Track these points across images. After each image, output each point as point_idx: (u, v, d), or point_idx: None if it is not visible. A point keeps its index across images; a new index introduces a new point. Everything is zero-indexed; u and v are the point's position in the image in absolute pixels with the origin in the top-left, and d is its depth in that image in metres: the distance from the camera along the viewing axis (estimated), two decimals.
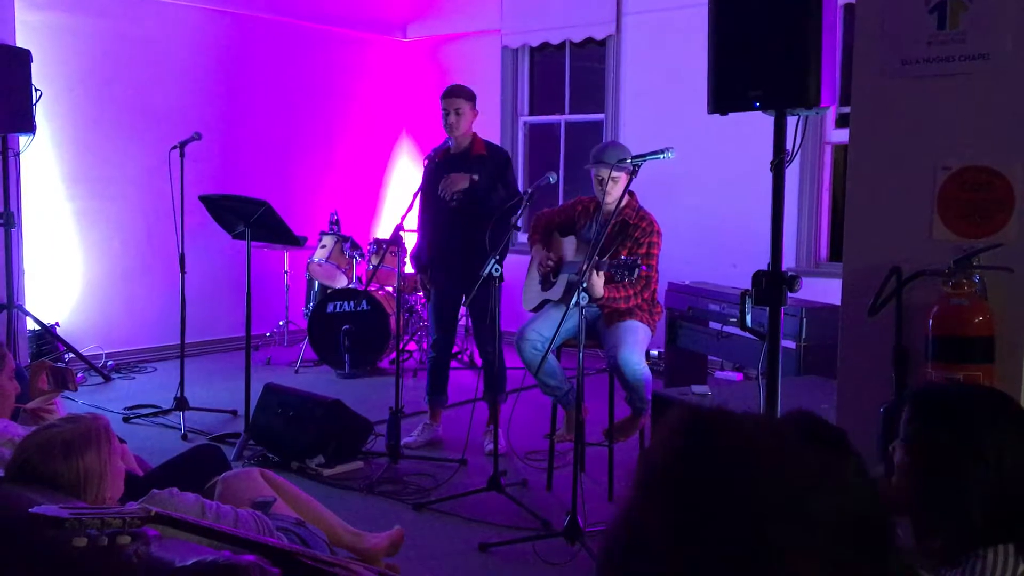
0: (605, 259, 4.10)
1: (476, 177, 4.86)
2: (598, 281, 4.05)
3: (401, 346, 5.97)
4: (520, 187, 7.97)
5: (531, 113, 8.31)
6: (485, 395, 4.98)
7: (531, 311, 4.71)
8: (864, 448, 0.97)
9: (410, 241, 5.44)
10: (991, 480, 1.57)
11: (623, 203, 4.33)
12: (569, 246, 4.65)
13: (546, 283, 4.67)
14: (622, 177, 4.31)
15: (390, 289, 7.04)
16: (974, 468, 1.58)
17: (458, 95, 4.98)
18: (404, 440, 4.94)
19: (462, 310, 5.22)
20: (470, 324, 5.31)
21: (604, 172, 4.34)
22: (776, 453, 0.86)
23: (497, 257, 4.12)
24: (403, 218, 4.75)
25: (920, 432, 1.67)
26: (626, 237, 4.39)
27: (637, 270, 3.79)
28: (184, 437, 5.18)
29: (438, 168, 5.01)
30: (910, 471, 1.67)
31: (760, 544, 0.81)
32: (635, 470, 0.92)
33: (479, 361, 5.38)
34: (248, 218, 4.96)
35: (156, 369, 6.90)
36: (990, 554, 1.53)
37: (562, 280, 4.55)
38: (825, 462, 0.87)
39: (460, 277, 4.97)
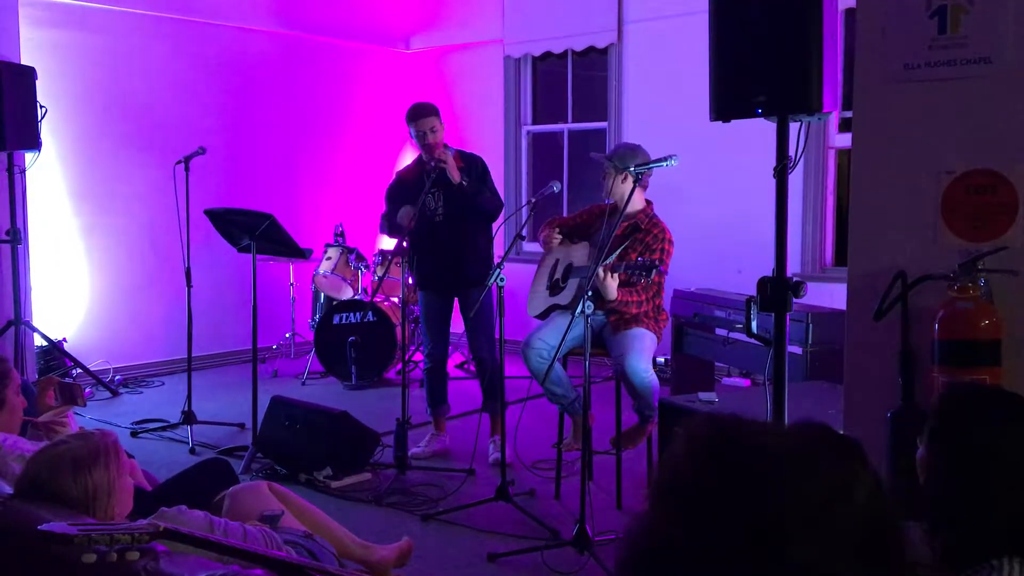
0: (620, 260, 4.10)
1: (466, 180, 4.86)
2: (612, 283, 4.04)
3: (407, 356, 5.97)
4: (524, 197, 8.04)
5: (534, 122, 8.32)
6: (485, 406, 4.97)
7: (537, 317, 4.70)
8: (871, 453, 0.96)
9: None
10: (1012, 488, 1.53)
11: (637, 208, 4.35)
12: (582, 251, 4.64)
13: (555, 289, 4.66)
14: (626, 179, 4.33)
15: (395, 300, 7.04)
16: (996, 474, 1.55)
17: (428, 114, 4.91)
18: (411, 451, 4.93)
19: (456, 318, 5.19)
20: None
21: (605, 166, 4.43)
22: (802, 463, 0.85)
23: (500, 268, 4.13)
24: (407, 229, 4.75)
25: (945, 431, 1.65)
26: (636, 241, 4.39)
27: (655, 271, 3.77)
28: (192, 451, 5.18)
29: (422, 182, 4.94)
30: (931, 470, 1.65)
31: (783, 553, 0.80)
32: (655, 477, 0.91)
33: None
34: (253, 231, 4.97)
35: (163, 383, 6.92)
36: (1005, 565, 1.48)
37: (571, 285, 4.53)
38: (848, 474, 0.86)
39: (450, 286, 4.98)
